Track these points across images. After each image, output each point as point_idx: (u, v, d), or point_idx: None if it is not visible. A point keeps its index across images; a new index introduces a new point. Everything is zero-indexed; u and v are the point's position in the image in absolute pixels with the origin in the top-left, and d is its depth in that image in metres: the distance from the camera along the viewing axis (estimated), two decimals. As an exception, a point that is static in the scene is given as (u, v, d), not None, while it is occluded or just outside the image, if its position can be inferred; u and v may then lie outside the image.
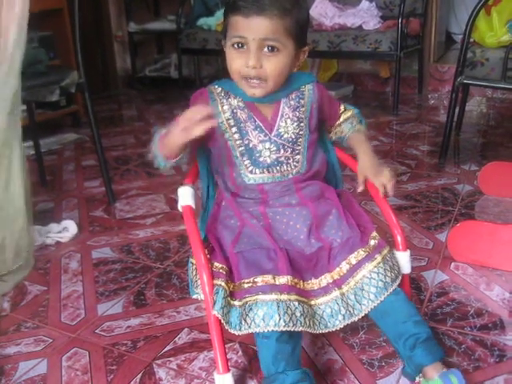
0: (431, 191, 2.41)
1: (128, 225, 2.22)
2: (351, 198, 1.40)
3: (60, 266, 1.92)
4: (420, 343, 1.20)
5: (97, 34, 4.65)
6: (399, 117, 3.70)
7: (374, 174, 1.34)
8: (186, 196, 1.33)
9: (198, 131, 1.14)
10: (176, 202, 1.34)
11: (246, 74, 1.20)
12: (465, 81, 2.50)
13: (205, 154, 1.37)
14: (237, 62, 1.21)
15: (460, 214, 2.15)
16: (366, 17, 3.91)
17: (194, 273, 1.27)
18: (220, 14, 4.27)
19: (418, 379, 1.23)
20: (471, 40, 2.55)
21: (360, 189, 1.34)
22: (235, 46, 1.20)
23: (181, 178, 1.44)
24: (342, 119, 1.44)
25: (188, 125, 1.14)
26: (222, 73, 4.93)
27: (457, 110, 2.82)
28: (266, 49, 1.18)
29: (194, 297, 1.30)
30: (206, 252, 1.22)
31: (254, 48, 1.17)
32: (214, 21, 4.23)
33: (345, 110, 1.45)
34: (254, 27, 1.16)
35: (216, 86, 1.31)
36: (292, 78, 1.29)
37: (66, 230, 2.11)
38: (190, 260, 1.31)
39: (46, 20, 3.44)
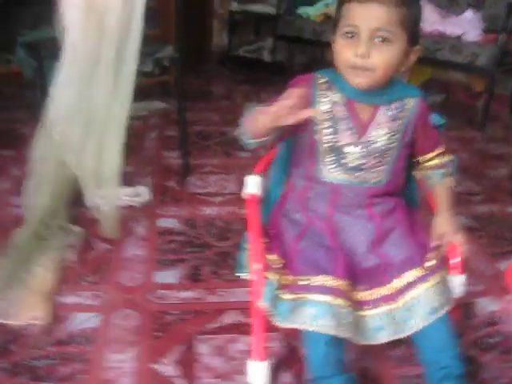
0: (502, 217, 2.35)
1: (197, 200, 2.29)
2: (417, 217, 1.38)
3: (127, 228, 2.01)
4: (451, 378, 1.19)
5: (199, 9, 4.73)
6: (485, 134, 3.60)
7: (450, 231, 1.29)
8: (253, 185, 1.37)
9: (290, 120, 1.12)
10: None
11: (353, 63, 1.17)
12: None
13: (288, 140, 1.36)
14: (345, 52, 1.18)
15: (527, 247, 2.11)
16: (467, 27, 3.80)
17: (248, 259, 1.31)
18: (321, 5, 4.27)
19: None
20: None
21: (434, 244, 1.29)
22: (345, 35, 1.18)
23: (255, 163, 1.48)
24: (435, 162, 1.38)
25: (281, 111, 1.12)
26: (314, 63, 4.93)
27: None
28: (376, 39, 1.16)
29: (238, 274, 1.36)
30: (263, 241, 1.26)
31: (365, 37, 1.15)
32: (313, 11, 4.23)
33: (443, 153, 1.38)
34: (369, 15, 1.14)
35: (321, 76, 1.29)
36: (396, 86, 1.27)
37: (139, 195, 2.20)
38: (245, 245, 1.35)
39: (152, -11, 3.53)
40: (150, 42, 1.99)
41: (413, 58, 1.24)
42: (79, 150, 1.87)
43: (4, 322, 1.49)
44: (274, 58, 4.53)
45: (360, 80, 1.19)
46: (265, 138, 1.23)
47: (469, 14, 3.90)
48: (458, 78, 4.49)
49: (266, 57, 4.74)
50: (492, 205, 2.46)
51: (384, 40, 1.16)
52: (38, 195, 1.92)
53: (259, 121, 1.19)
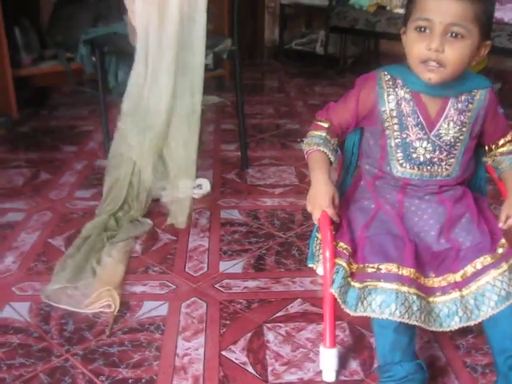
0: None
1: (257, 191, 2.31)
2: (485, 203, 1.39)
3: (190, 220, 2.04)
4: None
5: (250, 3, 4.75)
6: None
7: None
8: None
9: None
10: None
11: (426, 57, 1.17)
12: None
13: (356, 131, 1.39)
14: (418, 46, 1.18)
15: None
16: (526, 14, 3.71)
17: (318, 247, 1.32)
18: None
19: None
20: None
21: (501, 225, 1.28)
22: (418, 29, 1.18)
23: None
24: (505, 149, 1.38)
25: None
26: (367, 55, 4.89)
27: None
28: (450, 34, 1.15)
29: (310, 265, 1.38)
30: (333, 229, 1.26)
31: (438, 31, 1.14)
32: (366, 1, 4.17)
33: None
34: (443, 9, 1.14)
35: (385, 73, 1.30)
36: (465, 77, 1.26)
37: (200, 187, 2.23)
38: (316, 234, 1.36)
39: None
40: (209, 36, 2.02)
41: (483, 52, 1.23)
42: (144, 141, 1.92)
43: (77, 310, 1.54)
44: (326, 50, 4.51)
45: (431, 75, 1.19)
46: None
47: (527, -1, 3.81)
48: (516, 67, 4.39)
49: (318, 49, 4.72)
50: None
51: (457, 35, 1.15)
52: (114, 189, 1.98)
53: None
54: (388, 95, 1.28)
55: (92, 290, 1.60)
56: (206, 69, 3.51)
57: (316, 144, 1.33)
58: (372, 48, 4.90)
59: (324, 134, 1.34)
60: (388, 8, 4.09)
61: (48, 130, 3.03)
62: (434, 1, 1.15)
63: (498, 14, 3.74)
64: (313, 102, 3.72)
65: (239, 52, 2.35)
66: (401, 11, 3.97)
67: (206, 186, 2.24)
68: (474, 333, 1.46)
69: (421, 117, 1.27)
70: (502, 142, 1.38)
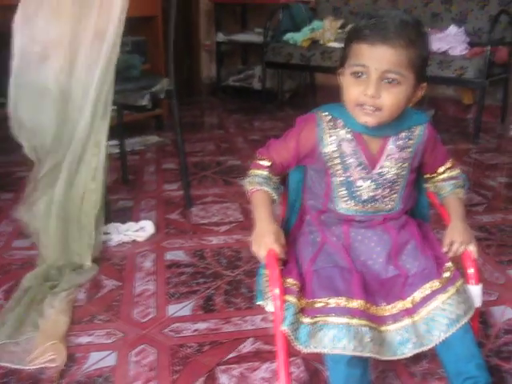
0: (506, 225, 2.35)
1: (202, 230, 2.28)
2: (428, 228, 1.40)
3: (135, 264, 2.00)
4: None
5: (186, 42, 4.78)
6: (479, 145, 3.62)
7: (462, 239, 1.30)
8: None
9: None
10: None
11: (362, 102, 1.18)
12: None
13: (299, 168, 1.38)
14: (354, 90, 1.19)
15: (536, 252, 2.10)
16: (453, 42, 3.85)
17: (266, 284, 1.30)
18: (307, 30, 4.32)
19: None
20: None
21: (445, 250, 1.30)
22: (355, 74, 1.19)
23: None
24: (445, 175, 1.41)
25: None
26: (304, 88, 4.97)
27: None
28: (385, 80, 1.17)
29: (259, 303, 1.34)
30: (280, 264, 1.25)
31: (374, 78, 1.15)
32: (300, 36, 4.27)
33: (452, 166, 1.42)
34: (378, 56, 1.15)
35: (326, 113, 1.30)
36: (404, 115, 1.26)
37: (143, 229, 2.19)
38: (263, 271, 1.34)
39: (140, 25, 3.57)
40: (146, 76, 2.00)
41: (420, 93, 1.25)
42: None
43: (20, 367, 1.46)
44: (264, 85, 4.57)
45: (368, 118, 1.20)
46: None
47: (453, 29, 3.96)
48: (447, 93, 4.53)
49: (256, 84, 4.78)
50: (494, 214, 2.47)
51: (393, 81, 1.16)
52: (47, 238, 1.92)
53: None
54: (329, 136, 1.28)
55: (35, 344, 1.53)
56: (144, 109, 3.50)
57: (258, 183, 1.32)
58: (308, 81, 4.99)
59: (266, 173, 1.34)
60: (321, 42, 4.18)
61: (-18, 179, 2.94)
62: (369, 47, 1.16)
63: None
64: (253, 137, 3.74)
65: (177, 91, 2.34)
66: (334, 45, 4.07)
67: (149, 227, 2.20)
68: (428, 358, 1.46)
69: (362, 157, 1.28)
70: (442, 169, 1.41)
